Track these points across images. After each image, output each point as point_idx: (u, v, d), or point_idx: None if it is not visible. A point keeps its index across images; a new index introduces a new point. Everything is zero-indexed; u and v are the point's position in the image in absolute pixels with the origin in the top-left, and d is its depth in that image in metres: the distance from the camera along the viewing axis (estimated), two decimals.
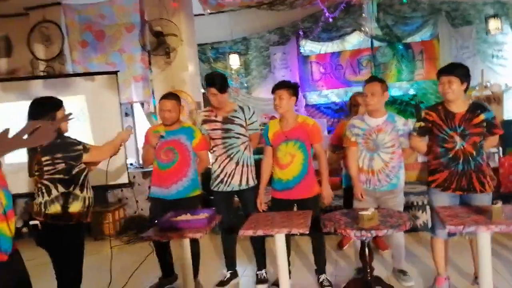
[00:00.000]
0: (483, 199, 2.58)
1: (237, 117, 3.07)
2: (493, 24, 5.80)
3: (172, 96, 3.11)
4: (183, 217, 2.62)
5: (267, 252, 3.24)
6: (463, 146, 2.58)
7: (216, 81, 2.98)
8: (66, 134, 2.45)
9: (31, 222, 2.34)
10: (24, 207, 5.13)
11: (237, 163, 3.07)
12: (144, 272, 3.33)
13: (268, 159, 3.06)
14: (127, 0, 5.17)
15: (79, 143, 2.42)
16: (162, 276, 3.23)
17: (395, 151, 2.87)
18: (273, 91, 2.94)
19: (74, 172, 2.40)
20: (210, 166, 3.26)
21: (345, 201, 3.58)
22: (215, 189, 3.14)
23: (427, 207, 4.09)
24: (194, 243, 2.90)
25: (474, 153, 2.57)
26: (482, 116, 2.55)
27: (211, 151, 3.17)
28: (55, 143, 2.29)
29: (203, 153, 3.17)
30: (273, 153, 3.03)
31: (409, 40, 6.63)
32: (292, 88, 2.92)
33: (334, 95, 6.76)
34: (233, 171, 3.07)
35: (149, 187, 3.19)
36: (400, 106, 6.50)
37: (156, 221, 2.67)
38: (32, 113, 2.35)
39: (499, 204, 2.21)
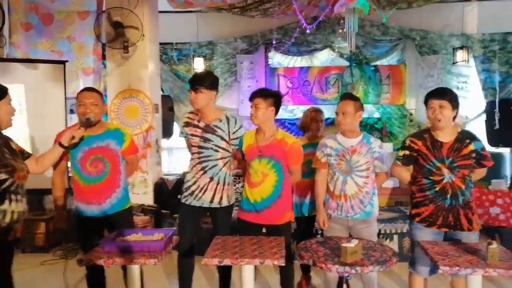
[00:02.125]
0: (469, 237, 2.38)
1: (220, 128, 2.68)
2: (460, 55, 5.90)
3: (92, 89, 2.70)
4: (133, 237, 2.17)
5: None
6: (451, 180, 2.37)
7: (195, 77, 2.63)
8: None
9: None
10: None
11: (211, 179, 2.69)
12: None
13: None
14: None
15: (6, 165, 1.97)
16: None
17: (369, 175, 2.63)
18: (250, 99, 2.61)
19: None
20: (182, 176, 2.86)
21: (299, 233, 3.25)
22: (184, 201, 2.74)
23: (395, 237, 3.90)
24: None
25: (463, 187, 2.38)
26: (472, 147, 2.37)
27: (191, 157, 2.78)
28: None
29: (132, 157, 2.75)
30: (245, 168, 2.68)
31: (377, 63, 6.60)
32: (271, 97, 2.58)
33: (300, 112, 6.56)
34: (206, 186, 2.68)
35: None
36: (365, 129, 6.40)
37: (96, 242, 2.20)
38: None
39: (494, 245, 2.00)
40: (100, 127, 2.61)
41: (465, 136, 2.40)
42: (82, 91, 2.62)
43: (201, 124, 2.70)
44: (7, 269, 2.06)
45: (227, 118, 2.71)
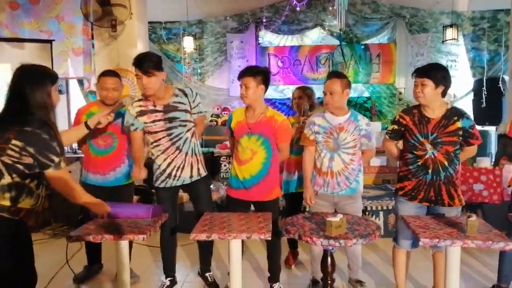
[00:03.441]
0: (451, 212, 2.43)
1: (181, 102, 2.62)
2: (449, 33, 5.90)
3: (113, 73, 2.90)
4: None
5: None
6: (433, 155, 2.41)
7: (142, 61, 2.45)
8: (54, 134, 1.86)
9: None
10: None
11: (187, 154, 2.67)
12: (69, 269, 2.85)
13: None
14: None
15: (59, 154, 1.86)
16: (88, 264, 3.05)
17: (356, 153, 2.67)
18: (239, 78, 2.60)
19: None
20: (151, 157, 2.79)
21: (287, 210, 3.30)
22: (161, 185, 2.70)
23: (381, 213, 3.99)
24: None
25: (446, 163, 2.41)
26: (459, 124, 2.39)
27: (152, 145, 2.68)
28: (37, 133, 1.79)
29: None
30: (234, 145, 2.71)
31: (368, 41, 6.59)
32: (260, 74, 2.57)
33: (290, 91, 6.56)
34: (183, 163, 2.67)
35: (81, 172, 2.78)
36: (354, 108, 6.44)
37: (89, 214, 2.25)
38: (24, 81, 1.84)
39: (474, 217, 2.06)
40: (114, 106, 2.73)
41: (454, 113, 2.42)
42: (102, 75, 2.82)
43: (159, 107, 2.59)
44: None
45: (181, 91, 2.66)
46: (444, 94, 2.42)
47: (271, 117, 2.63)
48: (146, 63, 2.44)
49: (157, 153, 2.68)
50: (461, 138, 2.40)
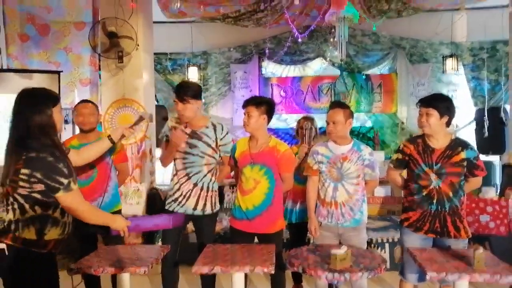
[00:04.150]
0: (457, 244, 2.41)
1: (207, 135, 2.70)
2: (450, 63, 5.98)
3: (89, 101, 3.04)
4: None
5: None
6: (438, 186, 2.41)
7: (181, 88, 2.64)
8: (60, 155, 1.84)
9: None
10: None
11: (195, 185, 2.70)
12: None
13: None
14: None
15: (67, 175, 1.82)
16: None
17: (359, 183, 2.68)
18: (243, 107, 2.65)
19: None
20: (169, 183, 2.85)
21: (291, 242, 3.27)
22: (168, 207, 2.73)
23: (387, 245, 3.93)
24: None
25: (451, 194, 2.41)
26: (463, 155, 2.40)
27: (174, 163, 2.79)
28: (41, 157, 1.76)
29: (123, 165, 2.96)
30: (238, 176, 2.71)
31: (369, 72, 6.68)
32: (264, 105, 2.62)
33: (293, 121, 6.60)
34: (189, 192, 2.69)
35: None
36: (357, 137, 6.45)
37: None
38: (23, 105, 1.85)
39: (481, 250, 2.03)
40: (93, 135, 2.83)
41: (458, 144, 2.43)
42: (79, 103, 2.99)
43: (188, 130, 2.70)
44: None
45: (213, 125, 2.73)
46: (448, 124, 2.45)
47: (273, 147, 2.64)
48: (183, 91, 2.59)
49: (172, 173, 2.77)
50: (465, 169, 2.40)
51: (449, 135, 2.47)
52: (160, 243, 4.15)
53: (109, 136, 2.37)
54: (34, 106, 1.82)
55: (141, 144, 4.64)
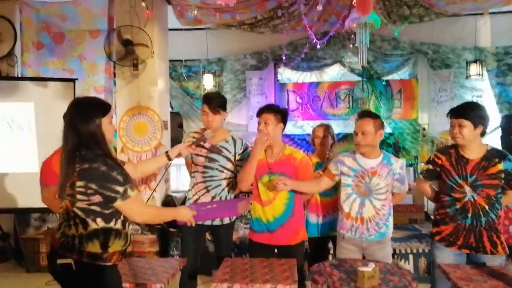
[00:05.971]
0: (494, 261, 2.24)
1: (226, 149, 2.69)
2: (474, 69, 5.79)
3: None
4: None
5: None
6: (473, 198, 2.25)
7: (212, 99, 2.63)
8: (113, 164, 1.80)
9: (61, 261, 1.73)
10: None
11: (214, 198, 2.67)
12: None
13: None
14: (94, 2, 4.66)
15: (122, 183, 1.77)
16: None
17: (388, 197, 2.51)
18: (258, 114, 2.55)
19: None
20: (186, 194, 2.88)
21: (312, 255, 3.09)
22: None
23: (411, 256, 3.75)
24: None
25: (487, 207, 2.24)
26: (500, 166, 2.23)
27: (191, 175, 2.79)
28: (94, 168, 1.73)
29: None
30: (255, 186, 2.59)
31: (388, 78, 6.52)
32: (280, 113, 2.55)
33: (310, 127, 6.47)
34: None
35: None
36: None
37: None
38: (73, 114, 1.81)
39: None
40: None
41: (494, 155, 2.27)
42: None
43: (207, 145, 2.69)
44: None
45: (233, 139, 2.73)
46: (483, 134, 2.28)
47: (289, 154, 2.55)
48: (215, 101, 2.60)
49: (190, 185, 2.75)
50: (503, 181, 2.23)
51: (484, 145, 2.31)
52: (175, 252, 4.07)
53: (166, 152, 2.39)
54: (82, 115, 1.80)
55: (155, 152, 4.57)
